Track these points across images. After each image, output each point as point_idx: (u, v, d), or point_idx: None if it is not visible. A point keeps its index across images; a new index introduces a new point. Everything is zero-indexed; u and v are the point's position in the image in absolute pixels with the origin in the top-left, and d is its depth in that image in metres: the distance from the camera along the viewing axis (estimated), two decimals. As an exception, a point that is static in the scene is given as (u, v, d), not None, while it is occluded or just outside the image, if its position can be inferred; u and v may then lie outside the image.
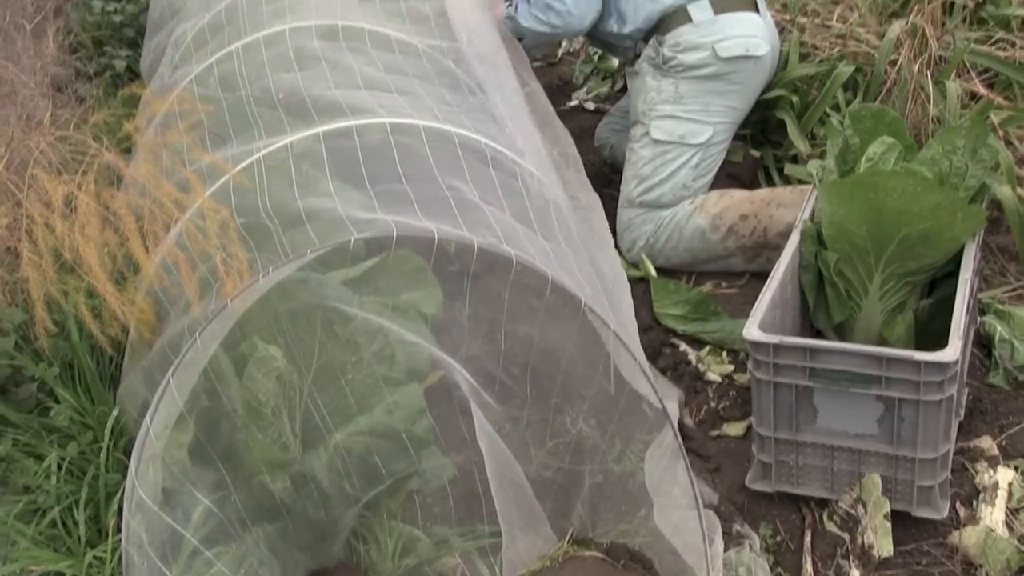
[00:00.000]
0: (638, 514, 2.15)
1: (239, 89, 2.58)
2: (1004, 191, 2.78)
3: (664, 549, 2.05)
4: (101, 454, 2.15)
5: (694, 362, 2.77)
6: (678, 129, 3.17)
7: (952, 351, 2.10)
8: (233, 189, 2.18)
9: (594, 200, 3.11)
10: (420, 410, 2.07)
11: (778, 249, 2.59)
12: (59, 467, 2.17)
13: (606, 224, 3.10)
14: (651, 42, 3.23)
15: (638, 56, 3.31)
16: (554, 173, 2.74)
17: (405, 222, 1.91)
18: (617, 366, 2.13)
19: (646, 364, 2.27)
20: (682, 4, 3.18)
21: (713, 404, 2.66)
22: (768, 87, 3.37)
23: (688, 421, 2.60)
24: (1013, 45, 3.28)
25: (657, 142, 3.18)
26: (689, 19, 3.16)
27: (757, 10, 3.24)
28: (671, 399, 2.56)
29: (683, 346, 2.85)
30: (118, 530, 1.90)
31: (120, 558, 1.82)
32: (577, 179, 3.14)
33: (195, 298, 2.00)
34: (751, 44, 3.15)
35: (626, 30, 3.28)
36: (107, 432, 2.17)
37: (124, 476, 1.90)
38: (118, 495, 2.08)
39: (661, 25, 3.20)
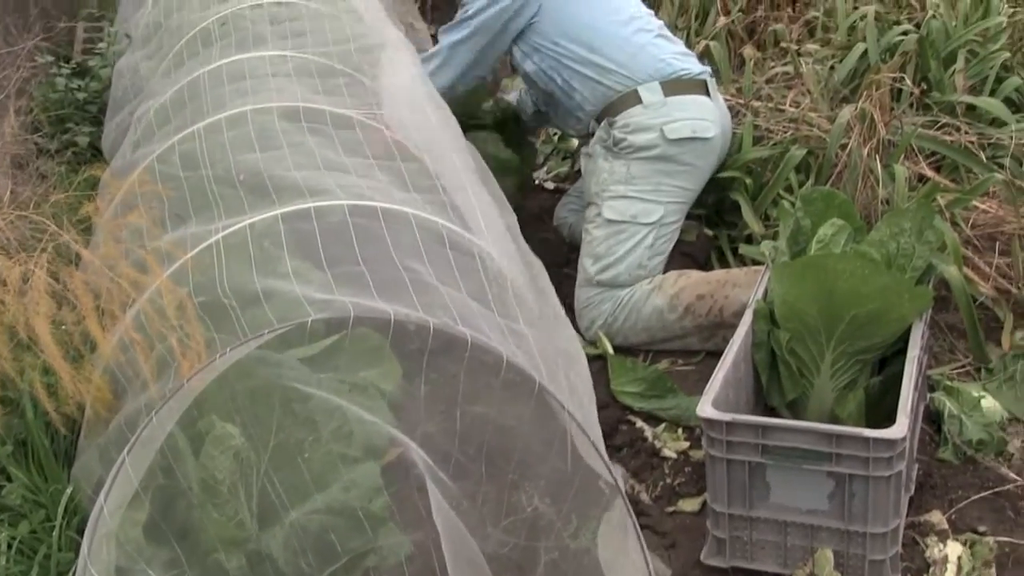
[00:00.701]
0: (593, 591, 2.15)
1: (200, 168, 2.61)
2: (951, 271, 2.85)
3: (619, 626, 2.06)
4: (54, 533, 2.13)
5: (650, 439, 2.80)
6: (630, 209, 3.23)
7: (900, 428, 2.15)
8: (193, 268, 2.20)
9: (537, 263, 3.11)
10: (377, 488, 2.07)
11: (734, 328, 2.64)
12: (9, 546, 2.15)
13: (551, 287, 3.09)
14: (603, 124, 3.30)
15: (591, 135, 3.38)
16: (512, 245, 2.76)
17: (362, 303, 1.94)
18: (574, 443, 2.15)
19: (601, 441, 2.29)
20: (633, 88, 3.26)
21: (669, 480, 2.68)
22: (722, 168, 3.45)
23: (644, 497, 2.62)
24: (958, 130, 3.38)
25: (610, 222, 3.24)
26: (639, 101, 3.24)
27: (708, 93, 3.33)
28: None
29: (639, 423, 2.88)
30: (70, 610, 1.88)
31: (72, 639, 1.81)
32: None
33: (152, 377, 2.01)
34: (699, 127, 3.23)
35: (576, 97, 3.36)
36: (60, 510, 2.15)
37: (77, 555, 1.89)
38: (70, 574, 2.06)
39: (612, 107, 3.28)
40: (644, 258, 3.22)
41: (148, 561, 1.90)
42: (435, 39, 3.73)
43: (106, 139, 3.89)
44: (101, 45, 4.72)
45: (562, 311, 3.04)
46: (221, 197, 2.46)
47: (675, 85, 3.28)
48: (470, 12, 3.46)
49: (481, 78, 3.67)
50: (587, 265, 3.27)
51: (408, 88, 3.13)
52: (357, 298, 1.96)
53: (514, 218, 3.07)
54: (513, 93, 4.01)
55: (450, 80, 3.50)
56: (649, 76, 3.27)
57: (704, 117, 3.27)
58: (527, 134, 4.04)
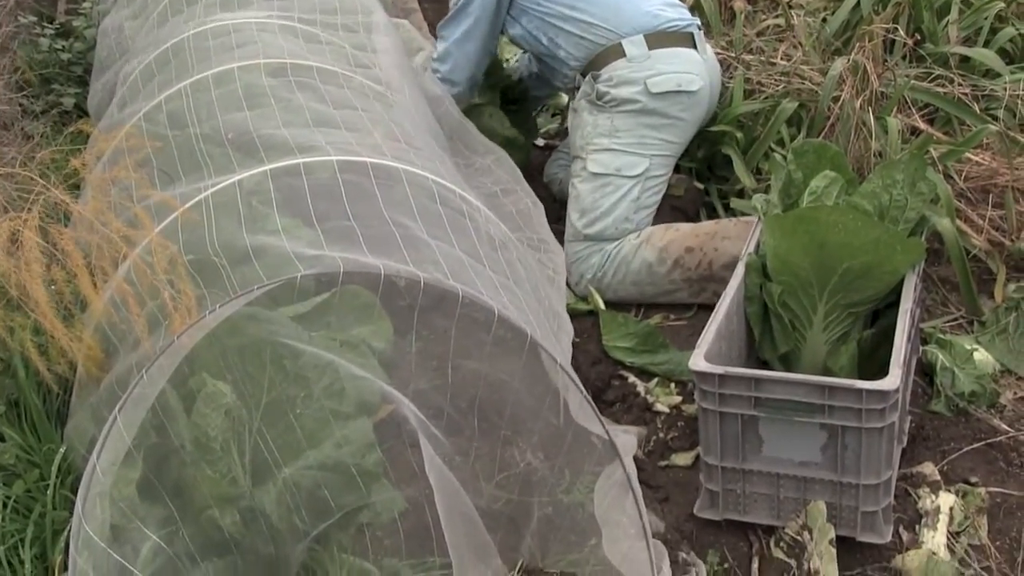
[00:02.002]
0: (587, 544, 2.16)
1: (188, 127, 2.59)
2: (944, 223, 2.85)
3: (613, 578, 2.07)
4: (48, 492, 2.13)
5: (643, 394, 2.80)
6: (614, 162, 3.21)
7: (893, 379, 2.15)
8: (182, 226, 2.19)
9: (554, 244, 3.17)
10: (370, 444, 2.07)
11: (724, 281, 2.63)
12: (4, 505, 2.15)
13: (563, 267, 3.15)
14: (587, 78, 3.28)
15: (577, 89, 3.37)
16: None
17: (352, 258, 1.93)
18: (565, 399, 2.15)
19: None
20: (617, 41, 3.23)
21: (662, 435, 2.68)
22: (713, 122, 3.43)
23: (637, 451, 2.62)
24: (951, 82, 3.36)
25: (595, 175, 3.22)
26: (623, 54, 3.22)
27: (695, 46, 3.29)
28: (630, 435, 2.58)
29: (632, 378, 2.87)
30: (65, 568, 1.88)
31: (67, 596, 1.81)
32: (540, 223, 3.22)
33: (144, 334, 2.00)
34: (683, 80, 3.21)
35: (560, 54, 3.34)
36: (54, 470, 2.15)
37: (72, 514, 1.89)
38: (65, 533, 2.06)
39: (596, 61, 3.26)
40: (630, 212, 3.21)
41: (142, 519, 1.90)
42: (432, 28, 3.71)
43: (92, 100, 3.87)
44: (85, 4, 4.67)
45: (563, 279, 3.07)
46: (209, 156, 2.45)
47: (660, 38, 3.25)
48: (462, 1, 3.44)
49: (492, 55, 3.63)
50: (574, 219, 3.26)
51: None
52: (347, 254, 1.95)
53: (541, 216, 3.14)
54: (517, 62, 3.98)
55: (468, 75, 3.50)
56: (634, 29, 3.25)
57: (689, 70, 3.24)
58: (531, 110, 4.04)
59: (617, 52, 3.24)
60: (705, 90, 3.26)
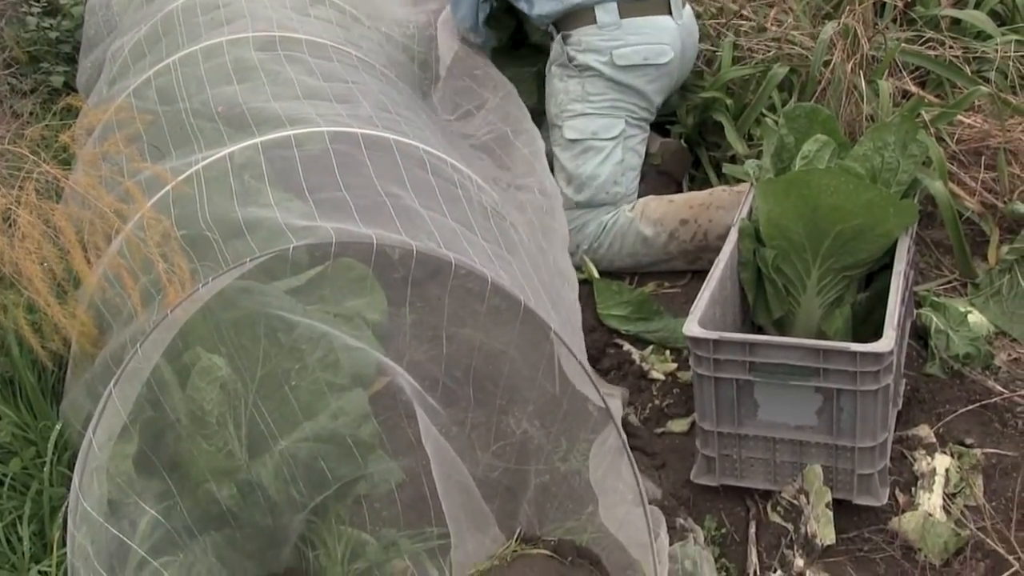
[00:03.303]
0: (585, 511, 2.17)
1: (178, 102, 2.58)
2: (937, 186, 2.84)
3: (611, 544, 2.08)
4: (45, 469, 2.14)
5: (638, 361, 2.80)
6: (590, 126, 3.18)
7: (887, 341, 2.15)
8: (174, 201, 2.18)
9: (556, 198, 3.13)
10: (365, 415, 2.07)
11: (719, 251, 2.62)
12: (1, 483, 2.15)
13: (564, 223, 3.11)
14: (557, 39, 3.23)
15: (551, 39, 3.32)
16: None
17: (344, 229, 1.93)
18: (561, 367, 2.15)
19: (587, 364, 2.29)
20: (589, 5, 3.17)
21: (657, 402, 2.69)
22: (701, 88, 3.41)
23: (633, 419, 2.63)
24: (943, 44, 3.35)
25: (572, 141, 3.20)
26: (594, 20, 3.17)
27: (670, 11, 3.23)
28: (614, 398, 2.58)
29: (627, 346, 2.88)
30: (63, 544, 1.89)
31: (66, 572, 1.81)
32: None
33: (138, 308, 2.00)
34: (652, 52, 3.16)
35: (534, 13, 3.27)
36: (50, 446, 2.16)
37: (69, 490, 1.89)
38: (63, 509, 2.07)
39: (567, 21, 3.20)
40: (617, 174, 3.18)
41: (140, 493, 1.91)
42: None
43: (81, 77, 3.85)
44: (72, -18, 4.64)
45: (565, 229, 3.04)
46: (200, 130, 2.44)
47: (632, 5, 3.17)
48: None
49: (489, 9, 3.50)
50: (563, 187, 3.22)
51: None
52: (339, 224, 1.95)
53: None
54: None
55: (465, 10, 3.39)
56: None
57: (661, 40, 3.17)
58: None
59: (588, 16, 3.17)
60: (676, 60, 3.21)
